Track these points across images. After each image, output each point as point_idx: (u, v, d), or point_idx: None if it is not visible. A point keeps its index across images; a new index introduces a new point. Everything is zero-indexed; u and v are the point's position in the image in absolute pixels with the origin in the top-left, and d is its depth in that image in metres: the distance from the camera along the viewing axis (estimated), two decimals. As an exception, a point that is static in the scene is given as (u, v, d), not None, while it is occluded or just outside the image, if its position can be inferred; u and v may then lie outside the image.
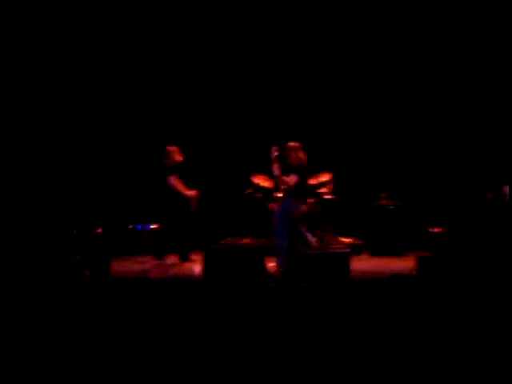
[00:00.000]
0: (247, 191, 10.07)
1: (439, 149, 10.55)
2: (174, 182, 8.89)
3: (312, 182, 9.96)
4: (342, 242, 9.44)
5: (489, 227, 8.75)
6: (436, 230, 9.49)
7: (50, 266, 7.02)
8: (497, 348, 4.50)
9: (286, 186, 8.26)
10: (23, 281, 6.50)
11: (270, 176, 9.96)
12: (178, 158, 9.13)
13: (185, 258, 9.02)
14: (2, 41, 9.90)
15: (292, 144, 8.37)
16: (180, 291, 6.63)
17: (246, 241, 9.86)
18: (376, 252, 9.70)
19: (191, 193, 8.97)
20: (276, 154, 8.29)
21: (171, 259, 8.97)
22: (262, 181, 10.00)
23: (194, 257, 9.10)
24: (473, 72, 10.39)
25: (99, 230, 8.82)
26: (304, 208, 9.75)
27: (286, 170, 8.31)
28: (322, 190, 9.93)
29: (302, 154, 8.34)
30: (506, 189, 8.85)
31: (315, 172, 9.98)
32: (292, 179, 8.20)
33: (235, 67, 11.18)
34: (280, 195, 8.47)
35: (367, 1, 10.57)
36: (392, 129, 10.80)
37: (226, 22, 10.89)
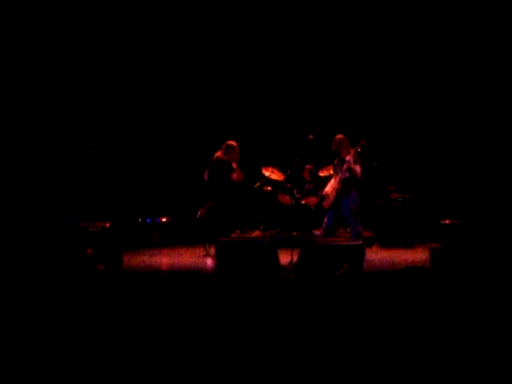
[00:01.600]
0: (257, 185, 10.07)
1: (448, 141, 10.53)
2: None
3: (322, 174, 9.98)
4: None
5: (499, 219, 8.73)
6: (447, 221, 9.45)
7: (63, 261, 7.02)
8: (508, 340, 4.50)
9: (349, 176, 8.32)
10: (36, 275, 6.50)
11: (280, 168, 9.99)
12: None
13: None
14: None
15: (343, 137, 8.45)
16: (193, 284, 6.60)
17: (256, 234, 9.86)
18: (387, 244, 9.69)
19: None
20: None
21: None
22: (271, 173, 9.99)
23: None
24: (482, 65, 10.38)
25: (109, 224, 8.78)
26: (314, 201, 9.80)
27: (342, 163, 8.39)
28: (332, 183, 9.92)
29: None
30: None
31: (325, 164, 10.00)
32: (359, 169, 8.30)
33: (248, 60, 11.20)
34: (338, 187, 8.38)
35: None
36: (401, 121, 10.79)
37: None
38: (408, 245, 9.59)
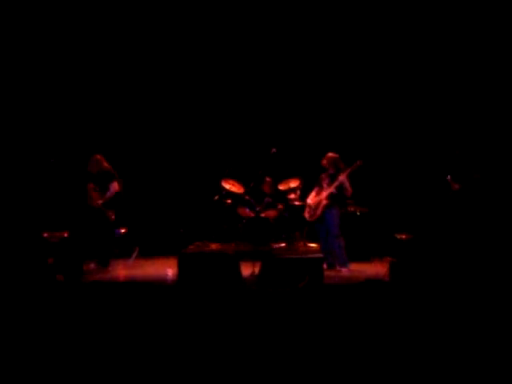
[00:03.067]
0: (216, 197, 10.09)
1: (406, 155, 10.73)
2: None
3: (281, 187, 10.07)
4: (311, 248, 9.53)
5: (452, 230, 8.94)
6: (403, 236, 9.65)
7: (23, 270, 6.91)
8: (471, 349, 4.62)
9: (336, 193, 8.65)
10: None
11: (240, 181, 10.05)
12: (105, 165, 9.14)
13: (105, 265, 8.96)
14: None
15: (336, 156, 8.81)
16: (154, 296, 6.57)
17: (215, 246, 9.87)
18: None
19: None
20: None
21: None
22: (231, 186, 10.03)
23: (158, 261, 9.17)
24: (443, 88, 10.66)
25: (67, 234, 8.67)
26: (273, 214, 9.88)
27: (331, 177, 8.74)
28: (291, 196, 10.02)
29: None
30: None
31: (284, 178, 10.10)
32: (351, 189, 8.66)
33: (204, 74, 11.23)
34: (325, 202, 8.68)
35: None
36: (359, 135, 10.94)
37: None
38: (365, 258, 9.74)
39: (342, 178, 8.57)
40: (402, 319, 5.42)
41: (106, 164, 9.06)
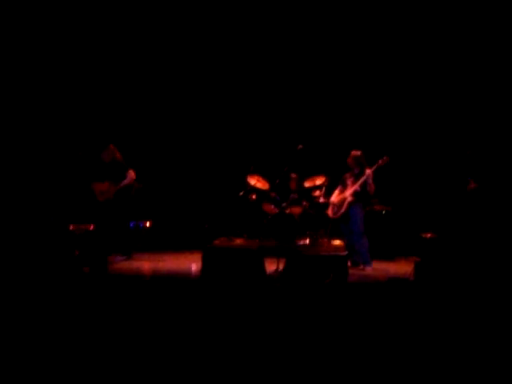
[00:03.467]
0: (241, 193, 10.10)
1: (430, 155, 10.66)
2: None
3: (307, 184, 10.05)
4: (336, 245, 9.50)
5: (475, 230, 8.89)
6: (428, 235, 9.58)
7: (49, 263, 6.99)
8: (493, 350, 4.58)
9: (360, 190, 8.61)
10: (22, 276, 6.47)
11: (265, 177, 10.05)
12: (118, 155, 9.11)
13: (128, 255, 9.09)
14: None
15: (360, 153, 8.76)
16: (178, 290, 6.61)
17: (240, 241, 9.88)
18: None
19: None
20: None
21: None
22: (257, 182, 10.03)
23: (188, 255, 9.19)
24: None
25: (92, 227, 8.73)
26: (298, 211, 9.87)
27: (356, 176, 8.71)
28: (316, 194, 9.99)
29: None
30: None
31: (310, 175, 10.07)
32: (374, 186, 8.62)
33: (230, 70, 11.24)
34: (350, 199, 8.65)
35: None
36: (384, 134, 10.89)
37: (216, 25, 10.97)
38: (389, 257, 9.69)
39: (369, 172, 8.51)
40: (426, 319, 5.40)
41: (118, 154, 9.05)
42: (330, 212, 8.98)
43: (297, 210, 9.82)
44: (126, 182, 8.93)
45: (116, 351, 4.55)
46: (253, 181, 10.03)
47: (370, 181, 8.53)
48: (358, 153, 8.77)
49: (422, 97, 10.81)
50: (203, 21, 10.85)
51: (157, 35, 10.97)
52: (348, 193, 8.68)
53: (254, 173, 10.05)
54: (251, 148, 11.01)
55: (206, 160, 11.27)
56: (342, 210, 8.69)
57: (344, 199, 8.71)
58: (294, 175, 10.11)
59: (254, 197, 10.08)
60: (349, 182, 8.79)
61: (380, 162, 8.54)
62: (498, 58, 10.25)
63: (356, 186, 8.62)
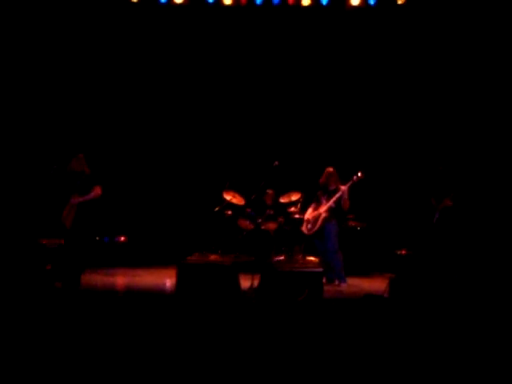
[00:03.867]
0: (217, 208, 10.07)
1: (403, 172, 10.75)
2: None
3: (283, 200, 10.04)
4: (311, 261, 9.49)
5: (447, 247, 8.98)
6: (403, 252, 9.64)
7: (19, 277, 6.89)
8: (468, 367, 4.60)
9: (335, 207, 8.67)
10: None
11: (241, 193, 10.04)
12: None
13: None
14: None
15: (333, 170, 8.84)
16: (152, 306, 6.55)
17: (215, 257, 9.82)
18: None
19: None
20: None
21: None
22: (232, 197, 10.00)
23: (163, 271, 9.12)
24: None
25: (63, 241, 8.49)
26: (274, 226, 9.86)
27: (330, 193, 8.77)
28: (292, 209, 9.99)
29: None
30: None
31: (286, 191, 10.07)
32: (348, 202, 8.68)
33: (207, 85, 11.28)
34: (324, 215, 8.71)
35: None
36: (358, 151, 10.95)
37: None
38: (364, 273, 9.71)
39: (344, 188, 8.57)
40: (401, 335, 5.40)
41: (87, 168, 8.31)
42: (304, 229, 9.01)
43: (272, 225, 9.80)
44: (90, 196, 8.09)
45: (88, 367, 4.47)
46: (228, 196, 9.99)
47: (346, 196, 8.59)
48: (331, 169, 8.84)
49: (395, 113, 10.94)
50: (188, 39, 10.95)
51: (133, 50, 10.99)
52: (323, 209, 8.71)
53: (229, 188, 10.02)
54: (227, 164, 10.99)
55: (182, 175, 11.22)
56: (317, 226, 8.74)
57: (318, 215, 8.76)
58: (270, 191, 10.10)
59: (229, 212, 10.05)
60: (323, 199, 8.85)
61: (354, 178, 8.61)
62: (473, 75, 10.45)
63: (331, 203, 8.67)
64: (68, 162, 8.40)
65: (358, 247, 9.98)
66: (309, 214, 8.98)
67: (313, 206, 9.01)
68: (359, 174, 8.60)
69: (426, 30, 10.69)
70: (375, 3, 10.53)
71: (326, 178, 8.81)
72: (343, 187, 8.60)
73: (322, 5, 10.59)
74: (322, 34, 10.98)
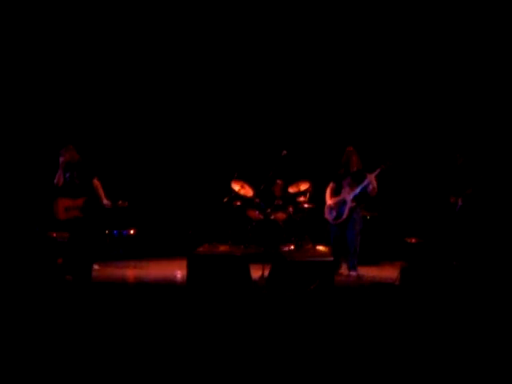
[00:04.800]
0: (225, 199, 10.06)
1: (416, 160, 10.69)
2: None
3: (291, 190, 10.02)
4: (321, 251, 9.47)
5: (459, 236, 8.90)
6: (413, 240, 9.61)
7: (32, 270, 6.91)
8: (480, 355, 4.58)
9: (359, 194, 8.37)
10: (3, 283, 6.39)
11: (249, 183, 10.02)
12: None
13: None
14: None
15: (353, 150, 8.51)
16: (163, 297, 6.57)
17: (224, 248, 9.83)
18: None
19: None
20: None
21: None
22: (241, 188, 9.99)
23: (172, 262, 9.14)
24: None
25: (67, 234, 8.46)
26: (283, 216, 9.83)
27: (353, 177, 8.44)
28: (301, 199, 9.97)
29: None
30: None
31: (294, 181, 10.05)
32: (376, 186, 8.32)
33: (214, 75, 11.24)
34: (351, 205, 8.40)
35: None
36: (368, 139, 10.90)
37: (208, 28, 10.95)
38: (375, 262, 9.69)
39: (371, 177, 8.25)
40: (412, 323, 5.39)
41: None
42: (328, 216, 8.60)
43: (281, 215, 9.78)
44: (102, 193, 8.24)
45: (101, 360, 4.48)
46: (237, 187, 9.98)
47: (375, 185, 8.24)
48: (351, 148, 8.55)
49: (412, 102, 10.85)
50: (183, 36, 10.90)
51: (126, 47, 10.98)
52: (348, 197, 8.42)
53: (238, 179, 10.00)
54: (235, 154, 10.98)
55: (190, 166, 11.22)
56: (344, 215, 8.38)
57: (344, 203, 8.43)
58: (278, 181, 10.07)
59: (238, 203, 10.04)
60: (345, 183, 8.50)
61: (383, 166, 8.31)
62: (491, 66, 10.32)
63: (357, 191, 8.33)
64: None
65: (368, 236, 9.94)
66: (331, 199, 8.57)
67: (332, 187, 8.64)
68: (387, 163, 8.30)
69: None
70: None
71: (347, 156, 8.48)
72: (370, 175, 8.28)
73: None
74: (330, 19, 10.86)
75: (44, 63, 10.56)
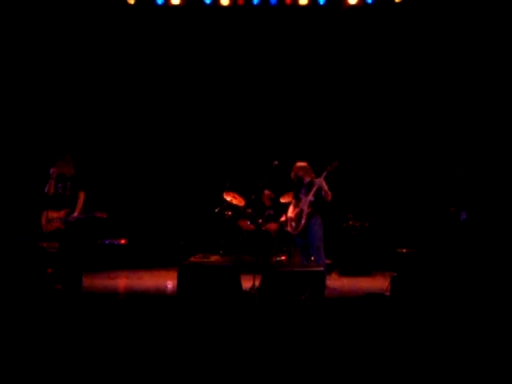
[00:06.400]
0: (217, 209, 10.07)
1: (406, 169, 10.73)
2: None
3: (283, 200, 10.03)
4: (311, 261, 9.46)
5: (454, 247, 8.91)
6: (404, 250, 9.61)
7: (21, 280, 6.87)
8: (471, 365, 4.58)
9: (314, 200, 8.32)
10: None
11: (241, 193, 10.03)
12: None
13: None
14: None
15: (306, 164, 8.57)
16: (154, 308, 6.55)
17: (216, 258, 9.83)
18: (345, 272, 9.78)
19: None
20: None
21: None
22: (232, 198, 10.00)
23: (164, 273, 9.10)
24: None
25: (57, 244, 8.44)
26: (274, 227, 9.84)
27: (306, 187, 8.44)
28: (292, 209, 9.96)
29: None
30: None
31: (286, 191, 10.06)
32: (330, 192, 8.31)
33: (206, 84, 11.28)
34: (307, 211, 8.33)
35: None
36: (360, 150, 10.95)
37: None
38: (366, 272, 9.70)
39: (319, 180, 8.28)
40: (403, 333, 5.39)
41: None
42: (289, 228, 8.64)
43: (273, 226, 9.79)
44: (80, 206, 8.24)
45: (91, 370, 4.46)
46: (228, 197, 10.00)
47: (325, 188, 8.26)
48: (304, 163, 8.59)
49: (394, 113, 10.93)
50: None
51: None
52: (304, 206, 8.41)
53: (229, 189, 10.02)
54: (227, 164, 10.99)
55: (182, 177, 11.22)
56: (302, 223, 8.36)
57: (301, 212, 8.42)
58: (267, 191, 10.08)
59: (229, 213, 10.04)
60: (300, 195, 8.54)
61: (329, 167, 8.31)
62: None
63: (310, 197, 8.33)
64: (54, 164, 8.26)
65: (359, 246, 9.97)
66: (290, 212, 8.65)
67: (293, 203, 8.70)
68: (333, 164, 8.30)
69: (424, 28, 10.66)
70: (373, 2, 10.54)
71: (297, 172, 8.53)
72: (318, 179, 8.30)
73: (319, 4, 10.60)
74: (319, 33, 10.97)
75: (36, 73, 10.58)
